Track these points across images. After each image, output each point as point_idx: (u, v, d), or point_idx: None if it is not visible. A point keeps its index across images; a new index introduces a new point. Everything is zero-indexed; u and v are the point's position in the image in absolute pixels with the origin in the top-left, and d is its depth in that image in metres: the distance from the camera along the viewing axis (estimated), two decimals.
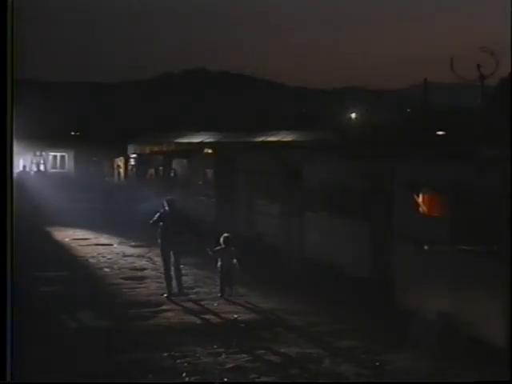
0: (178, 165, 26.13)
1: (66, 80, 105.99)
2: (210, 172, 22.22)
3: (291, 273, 15.23)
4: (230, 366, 9.38)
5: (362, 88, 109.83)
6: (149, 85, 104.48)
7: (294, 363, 9.56)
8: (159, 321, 11.90)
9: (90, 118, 68.19)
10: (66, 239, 22.17)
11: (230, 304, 13.06)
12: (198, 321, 11.92)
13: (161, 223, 14.10)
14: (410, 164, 11.71)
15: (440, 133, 26.32)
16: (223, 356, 9.79)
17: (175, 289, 13.93)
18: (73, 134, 58.01)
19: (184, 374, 9.02)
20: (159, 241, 14.19)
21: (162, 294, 13.69)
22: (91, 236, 22.78)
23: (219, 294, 13.59)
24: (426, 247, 10.63)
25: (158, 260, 15.88)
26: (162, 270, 14.61)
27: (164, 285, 14.08)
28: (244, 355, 9.82)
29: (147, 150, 41.92)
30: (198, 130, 48.00)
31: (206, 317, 12.16)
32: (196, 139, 44.61)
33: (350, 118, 55.12)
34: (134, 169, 32.69)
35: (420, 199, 10.90)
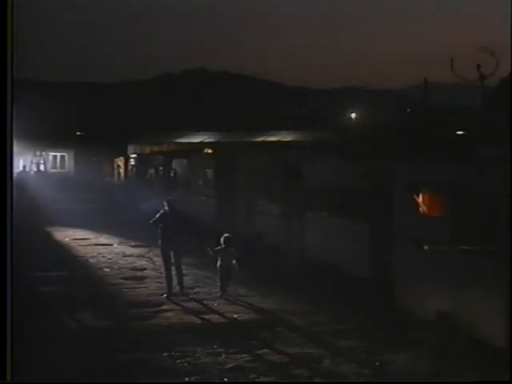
0: (177, 165, 26.14)
1: (66, 80, 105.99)
2: (209, 172, 22.23)
3: (291, 273, 15.24)
4: (230, 366, 9.38)
5: (362, 88, 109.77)
6: (149, 85, 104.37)
7: (294, 363, 9.56)
8: (159, 321, 11.90)
9: (90, 118, 68.14)
10: (66, 239, 22.17)
11: (229, 304, 13.07)
12: (198, 321, 11.92)
13: (161, 223, 14.11)
14: (410, 164, 11.71)
15: (460, 132, 26.01)
16: (223, 356, 9.79)
17: (176, 289, 13.94)
18: (73, 134, 57.97)
19: (184, 374, 9.04)
20: (159, 241, 14.20)
21: (162, 294, 13.69)
22: (91, 236, 22.78)
23: (219, 294, 13.59)
24: (426, 247, 10.63)
25: (158, 260, 15.89)
26: (162, 270, 14.62)
27: (164, 285, 14.09)
28: (244, 355, 9.82)
29: (147, 149, 41.91)
30: (197, 130, 47.99)
31: (206, 317, 12.16)
32: (196, 139, 44.61)
33: (350, 118, 55.12)
34: (134, 169, 32.70)
35: (420, 199, 10.90)
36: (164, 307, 12.81)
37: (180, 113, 74.69)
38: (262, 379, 8.94)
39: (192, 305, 13.06)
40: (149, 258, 18.10)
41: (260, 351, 10.08)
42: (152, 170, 29.82)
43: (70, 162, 46.43)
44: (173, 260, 14.08)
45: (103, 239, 22.12)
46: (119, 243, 21.13)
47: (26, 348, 9.03)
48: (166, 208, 14.19)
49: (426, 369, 9.22)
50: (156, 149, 40.94)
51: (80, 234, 23.29)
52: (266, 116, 64.85)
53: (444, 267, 10.12)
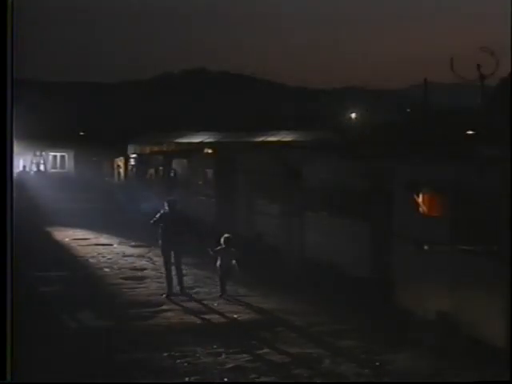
0: (177, 165, 26.13)
1: (66, 80, 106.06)
2: (209, 172, 22.22)
3: (291, 273, 15.24)
4: (230, 366, 9.38)
5: (362, 88, 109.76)
6: (149, 85, 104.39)
7: (294, 363, 9.56)
8: (159, 321, 11.89)
9: (90, 118, 68.16)
10: (66, 239, 22.17)
11: (229, 304, 13.07)
12: (198, 321, 11.92)
13: (161, 223, 14.11)
14: (410, 164, 11.71)
15: (470, 132, 25.90)
16: (223, 356, 9.79)
17: (176, 289, 13.94)
18: (73, 134, 57.98)
19: (184, 374, 9.03)
20: (160, 241, 14.20)
21: (162, 294, 13.69)
22: (91, 236, 22.78)
23: (219, 294, 13.59)
24: (426, 247, 10.63)
25: (158, 260, 15.89)
26: (162, 269, 14.62)
27: (164, 285, 14.09)
28: (244, 355, 9.82)
29: (147, 149, 41.93)
30: (198, 130, 48.03)
31: (206, 317, 12.16)
32: (196, 139, 44.63)
33: (350, 118, 55.14)
34: (134, 169, 32.71)
35: (420, 199, 10.90)
36: (164, 307, 12.81)
37: (180, 113, 74.72)
38: (262, 379, 8.93)
39: (192, 305, 13.06)
40: (149, 258, 18.10)
41: (260, 351, 10.08)
42: (152, 170, 29.82)
43: (69, 162, 46.44)
44: (173, 260, 14.09)
45: (103, 239, 22.12)
46: (119, 243, 21.12)
47: (25, 348, 9.03)
48: (167, 208, 14.20)
49: (425, 369, 9.22)
50: (156, 149, 40.97)
51: (80, 234, 23.29)
52: (266, 116, 64.89)
53: (444, 267, 10.12)
